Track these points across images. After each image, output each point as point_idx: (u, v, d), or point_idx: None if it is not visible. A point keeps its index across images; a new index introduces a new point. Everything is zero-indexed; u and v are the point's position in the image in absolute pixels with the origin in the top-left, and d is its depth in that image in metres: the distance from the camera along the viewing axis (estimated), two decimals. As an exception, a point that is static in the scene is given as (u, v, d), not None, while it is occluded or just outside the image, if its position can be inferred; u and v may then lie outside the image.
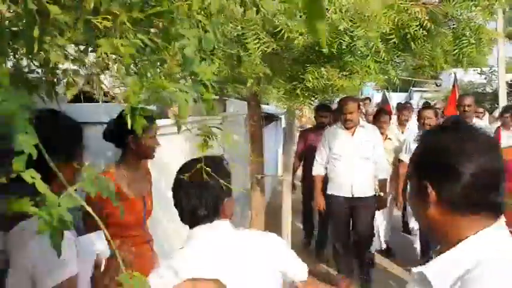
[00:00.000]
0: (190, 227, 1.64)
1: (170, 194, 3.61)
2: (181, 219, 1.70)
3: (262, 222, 4.71)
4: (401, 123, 6.52)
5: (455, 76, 8.88)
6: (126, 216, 2.41)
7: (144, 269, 2.44)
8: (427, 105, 6.68)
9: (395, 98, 17.12)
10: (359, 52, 3.03)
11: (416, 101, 18.57)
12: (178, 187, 1.67)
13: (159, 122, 3.64)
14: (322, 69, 3.09)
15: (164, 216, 3.53)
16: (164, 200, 3.54)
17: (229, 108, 6.26)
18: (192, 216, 1.63)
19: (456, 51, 3.65)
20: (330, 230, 5.40)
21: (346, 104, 4.73)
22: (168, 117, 3.87)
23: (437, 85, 22.80)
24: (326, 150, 4.88)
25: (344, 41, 2.99)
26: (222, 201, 1.61)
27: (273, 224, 5.59)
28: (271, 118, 7.65)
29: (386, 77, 3.78)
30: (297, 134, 6.30)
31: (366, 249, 5.16)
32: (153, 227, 2.92)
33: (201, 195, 1.57)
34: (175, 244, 3.83)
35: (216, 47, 1.48)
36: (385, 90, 9.84)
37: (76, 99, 3.26)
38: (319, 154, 4.96)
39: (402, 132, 6.27)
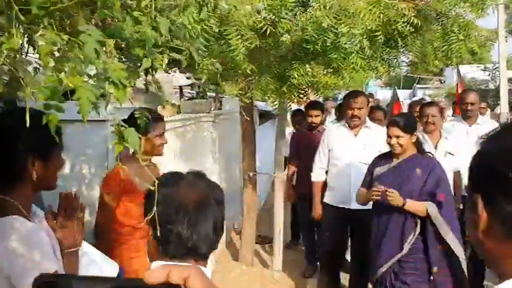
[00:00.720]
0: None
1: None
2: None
3: (254, 220, 4.72)
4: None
5: (458, 71, 8.73)
6: (136, 208, 2.46)
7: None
8: (430, 102, 5.32)
9: (399, 95, 16.99)
10: (343, 49, 3.02)
11: (420, 97, 18.47)
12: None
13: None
14: (307, 66, 3.09)
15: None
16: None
17: (226, 106, 6.28)
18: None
19: (445, 47, 3.63)
20: (320, 242, 4.71)
21: (354, 97, 4.01)
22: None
23: (441, 82, 22.72)
24: (325, 151, 4.24)
25: (328, 38, 2.99)
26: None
27: (266, 221, 5.61)
28: (268, 116, 7.63)
29: (375, 73, 3.78)
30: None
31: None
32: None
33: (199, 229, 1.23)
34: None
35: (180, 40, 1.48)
36: (395, 87, 9.52)
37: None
38: (319, 157, 4.28)
39: None
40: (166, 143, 2.61)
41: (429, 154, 3.32)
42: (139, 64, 1.17)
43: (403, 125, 3.17)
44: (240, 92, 3.21)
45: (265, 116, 7.50)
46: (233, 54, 2.70)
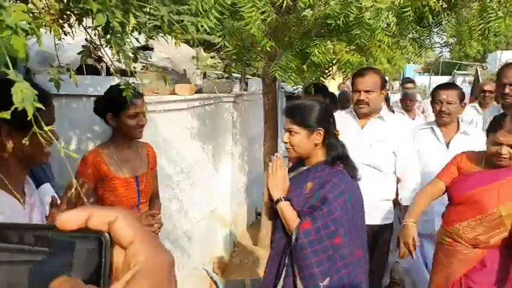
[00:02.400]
0: None
1: (172, 171, 3.59)
2: None
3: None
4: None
5: (498, 57, 8.31)
6: (117, 196, 2.36)
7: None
8: (447, 84, 3.98)
9: (438, 82, 16.38)
10: (368, 25, 2.83)
11: (459, 84, 17.76)
12: None
13: (165, 98, 3.57)
14: (329, 42, 2.91)
15: (165, 195, 3.48)
16: (166, 178, 3.49)
17: (251, 87, 6.15)
18: None
19: (482, 26, 3.36)
20: None
21: (361, 75, 3.02)
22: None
23: (483, 68, 21.77)
24: None
25: (351, 12, 2.80)
26: None
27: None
28: (296, 99, 7.44)
29: (404, 53, 3.54)
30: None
31: None
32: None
33: None
34: (179, 225, 3.81)
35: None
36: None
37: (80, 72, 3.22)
38: None
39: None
40: (143, 125, 2.35)
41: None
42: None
43: (297, 116, 2.12)
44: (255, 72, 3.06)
45: (293, 98, 7.32)
46: (247, 27, 2.55)
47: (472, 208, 2.37)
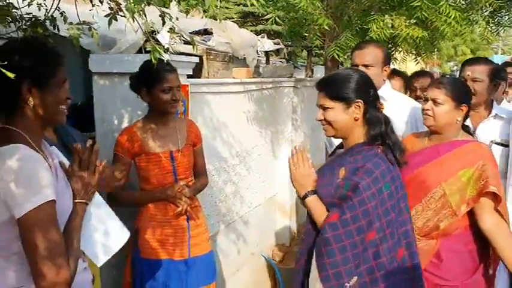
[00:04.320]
0: None
1: (227, 154, 3.57)
2: None
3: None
4: None
5: None
6: (152, 170, 2.38)
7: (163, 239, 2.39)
8: (474, 58, 3.02)
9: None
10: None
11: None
12: None
13: (221, 80, 3.56)
14: (387, 17, 2.72)
15: (220, 177, 3.47)
16: (220, 161, 3.48)
17: (317, 74, 6.00)
18: None
19: None
20: None
21: (360, 48, 2.64)
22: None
23: None
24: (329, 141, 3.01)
25: (412, -18, 2.60)
26: None
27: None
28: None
29: (475, 28, 3.24)
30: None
31: None
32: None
33: None
34: (235, 208, 3.79)
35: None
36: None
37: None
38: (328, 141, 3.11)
39: None
40: (176, 99, 2.33)
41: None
42: None
43: (329, 88, 1.85)
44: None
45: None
46: (297, 0, 2.45)
47: (418, 191, 2.09)
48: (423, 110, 2.17)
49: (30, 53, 1.34)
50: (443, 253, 2.11)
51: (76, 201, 1.46)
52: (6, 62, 1.12)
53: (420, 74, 3.88)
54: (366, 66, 2.53)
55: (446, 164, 2.09)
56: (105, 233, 1.58)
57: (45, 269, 1.23)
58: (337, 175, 1.81)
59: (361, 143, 1.82)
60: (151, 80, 2.27)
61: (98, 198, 1.60)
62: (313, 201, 1.85)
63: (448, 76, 3.13)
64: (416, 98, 3.24)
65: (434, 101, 2.12)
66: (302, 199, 1.88)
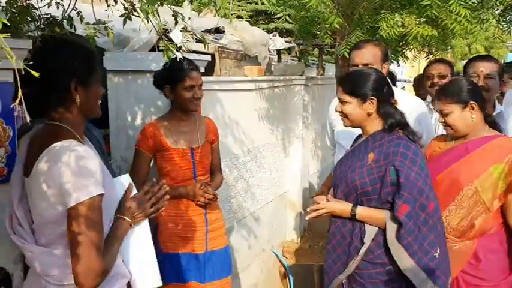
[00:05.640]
0: None
1: (238, 151, 3.62)
2: None
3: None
4: None
5: None
6: (173, 165, 2.43)
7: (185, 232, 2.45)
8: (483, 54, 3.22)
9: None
10: (440, -6, 2.63)
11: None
12: None
13: (233, 78, 3.61)
14: (397, 15, 2.74)
15: (231, 174, 3.52)
16: (232, 157, 3.53)
17: (328, 72, 6.04)
18: None
19: None
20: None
21: (359, 48, 2.66)
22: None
23: None
24: (329, 130, 3.03)
25: (422, -19, 2.62)
26: None
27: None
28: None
29: (486, 27, 3.24)
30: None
31: None
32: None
33: None
34: (246, 204, 3.84)
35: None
36: None
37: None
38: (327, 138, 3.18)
39: None
40: (198, 97, 2.41)
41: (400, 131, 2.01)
42: None
43: (348, 85, 2.04)
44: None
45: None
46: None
47: (450, 190, 2.11)
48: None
49: (74, 54, 1.43)
50: (481, 253, 2.11)
51: (123, 216, 1.52)
52: (43, 62, 1.21)
53: (437, 60, 3.85)
54: (365, 65, 2.54)
55: (476, 161, 2.10)
56: (140, 269, 1.60)
57: (84, 255, 1.29)
58: (367, 159, 1.99)
59: (381, 130, 2.02)
60: (175, 78, 2.36)
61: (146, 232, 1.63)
62: (363, 211, 1.98)
63: (447, 76, 3.13)
64: (433, 85, 3.18)
65: (442, 113, 2.17)
66: (352, 216, 2.00)
